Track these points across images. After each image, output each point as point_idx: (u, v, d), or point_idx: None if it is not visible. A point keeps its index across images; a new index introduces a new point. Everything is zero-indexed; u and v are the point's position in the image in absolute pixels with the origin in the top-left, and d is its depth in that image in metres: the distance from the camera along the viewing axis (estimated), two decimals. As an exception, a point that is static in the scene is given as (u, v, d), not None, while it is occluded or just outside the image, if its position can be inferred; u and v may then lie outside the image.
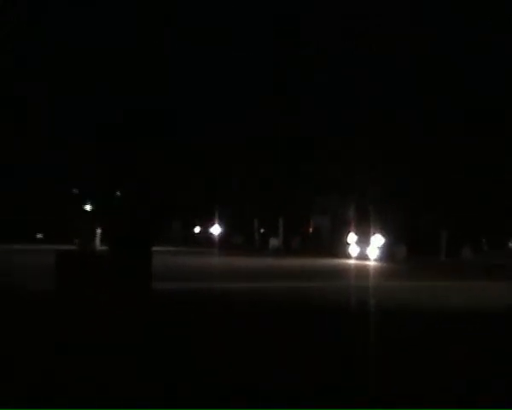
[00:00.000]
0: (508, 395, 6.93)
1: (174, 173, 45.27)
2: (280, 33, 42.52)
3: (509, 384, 7.49)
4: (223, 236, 49.90)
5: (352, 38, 39.89)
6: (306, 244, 45.55)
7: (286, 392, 6.86)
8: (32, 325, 10.66)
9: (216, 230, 50.44)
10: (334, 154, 41.71)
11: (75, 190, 50.11)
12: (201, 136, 44.78)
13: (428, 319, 12.68)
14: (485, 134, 37.70)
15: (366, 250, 37.81)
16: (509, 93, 37.40)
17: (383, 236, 38.12)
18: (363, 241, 38.77)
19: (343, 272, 26.60)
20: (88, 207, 48.48)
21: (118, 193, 41.39)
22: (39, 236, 49.42)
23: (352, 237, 40.48)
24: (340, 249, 39.96)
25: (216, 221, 50.00)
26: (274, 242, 47.28)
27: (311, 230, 48.98)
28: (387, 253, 37.07)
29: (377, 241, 38.02)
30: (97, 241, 36.89)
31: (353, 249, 39.09)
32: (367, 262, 33.25)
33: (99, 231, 38.12)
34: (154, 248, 13.85)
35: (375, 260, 35.32)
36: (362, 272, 26.09)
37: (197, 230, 55.21)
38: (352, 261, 34.03)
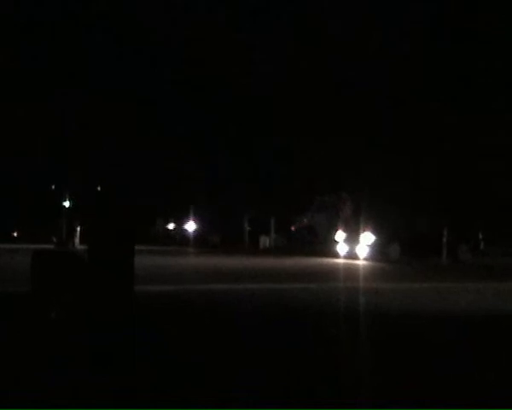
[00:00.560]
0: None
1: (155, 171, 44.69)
2: None
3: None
4: (198, 233, 47.17)
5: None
6: (291, 243, 45.00)
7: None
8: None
9: (190, 227, 47.91)
10: (327, 149, 41.40)
11: (52, 186, 48.13)
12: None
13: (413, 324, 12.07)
14: (483, 127, 37.47)
15: (355, 249, 35.58)
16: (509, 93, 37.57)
17: (374, 234, 36.01)
18: (353, 239, 36.71)
19: (324, 272, 24.92)
20: (67, 204, 46.17)
21: (98, 188, 40.20)
22: (15, 234, 47.85)
23: (340, 235, 38.47)
24: (328, 248, 38.03)
25: (191, 218, 47.48)
26: (265, 240, 46.54)
27: (293, 228, 48.30)
28: (379, 252, 35.08)
29: (367, 239, 35.75)
30: (76, 240, 35.64)
31: (342, 248, 36.93)
32: (355, 262, 31.35)
33: (78, 229, 36.64)
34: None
35: (365, 259, 33.12)
36: (344, 272, 24.35)
37: (171, 226, 51.72)
38: (339, 261, 32.33)
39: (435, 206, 38.48)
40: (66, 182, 46.45)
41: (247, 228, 48.52)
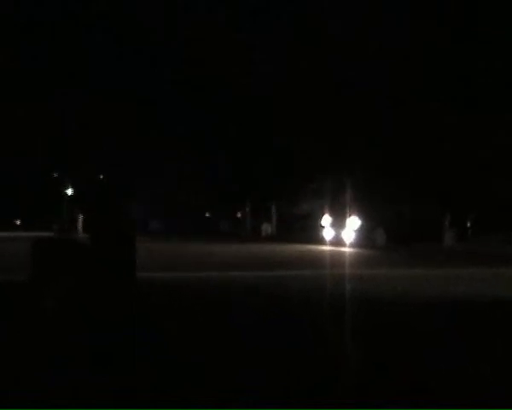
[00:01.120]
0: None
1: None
2: None
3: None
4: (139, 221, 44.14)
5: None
6: (278, 230, 45.18)
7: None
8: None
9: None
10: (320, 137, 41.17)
11: (55, 174, 47.61)
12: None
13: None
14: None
15: (341, 234, 34.66)
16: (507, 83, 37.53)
17: (360, 218, 35.01)
18: (339, 224, 35.67)
19: (305, 259, 24.63)
20: (69, 192, 45.44)
21: (101, 177, 39.70)
22: (17, 222, 47.31)
23: (326, 220, 37.35)
24: (314, 234, 37.00)
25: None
26: (267, 227, 46.71)
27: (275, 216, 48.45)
28: (365, 237, 34.18)
29: (353, 224, 34.76)
30: (79, 228, 35.43)
31: (328, 233, 35.78)
32: (341, 248, 30.55)
33: (80, 217, 36.49)
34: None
35: (351, 245, 32.17)
36: (326, 259, 23.78)
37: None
38: (323, 247, 31.53)
39: (425, 192, 37.80)
40: (68, 171, 46.06)
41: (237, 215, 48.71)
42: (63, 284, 12.01)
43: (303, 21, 43.07)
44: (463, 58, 39.03)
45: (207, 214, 60.99)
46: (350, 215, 35.15)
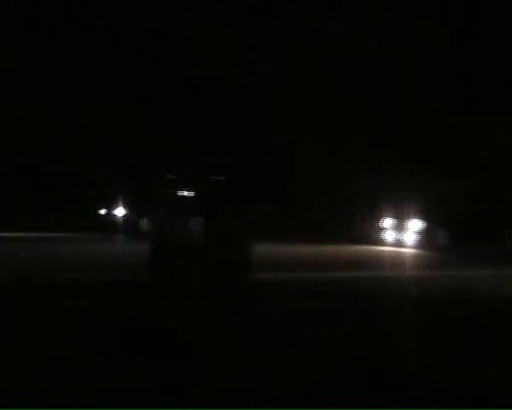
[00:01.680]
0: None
1: None
2: None
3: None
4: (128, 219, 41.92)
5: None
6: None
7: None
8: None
9: (119, 212, 42.30)
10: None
11: (170, 175, 47.35)
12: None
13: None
14: None
15: (402, 236, 34.51)
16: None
17: (422, 220, 34.65)
18: (399, 226, 35.33)
19: (383, 260, 25.08)
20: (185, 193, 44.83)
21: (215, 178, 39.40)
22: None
23: (387, 222, 36.77)
24: (371, 235, 36.33)
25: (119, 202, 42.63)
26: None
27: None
28: (427, 239, 33.88)
29: (414, 225, 34.66)
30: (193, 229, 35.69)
31: (389, 235, 35.60)
32: (404, 250, 31.17)
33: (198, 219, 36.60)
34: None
35: (413, 247, 32.48)
36: (398, 260, 24.69)
37: (102, 212, 45.03)
38: (386, 249, 31.97)
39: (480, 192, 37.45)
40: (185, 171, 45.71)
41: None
42: (182, 284, 12.47)
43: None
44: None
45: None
46: (410, 217, 34.76)
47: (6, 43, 42.14)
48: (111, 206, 44.87)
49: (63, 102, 42.98)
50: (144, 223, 40.00)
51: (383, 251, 30.56)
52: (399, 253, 29.21)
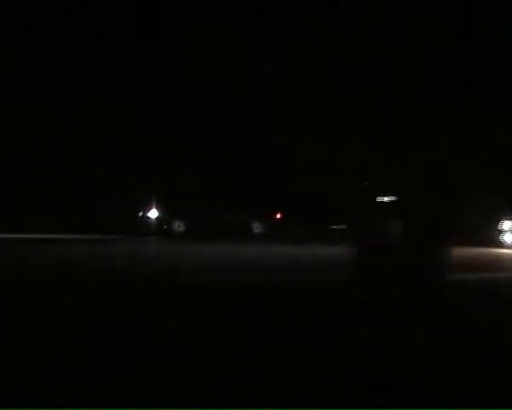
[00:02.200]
0: None
1: None
2: None
3: None
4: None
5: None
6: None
7: None
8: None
9: (153, 214, 42.35)
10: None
11: (366, 183, 47.96)
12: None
13: None
14: None
15: None
16: None
17: None
18: None
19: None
20: (384, 199, 45.06)
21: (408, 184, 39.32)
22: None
23: (506, 224, 36.45)
24: (489, 237, 35.69)
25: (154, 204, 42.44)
26: None
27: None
28: None
29: None
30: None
31: (508, 237, 35.30)
32: None
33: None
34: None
35: None
36: None
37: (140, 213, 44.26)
38: (506, 251, 31.54)
39: None
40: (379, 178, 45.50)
41: None
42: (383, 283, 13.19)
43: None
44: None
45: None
46: None
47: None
48: (145, 208, 45.00)
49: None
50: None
51: (504, 253, 29.89)
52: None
